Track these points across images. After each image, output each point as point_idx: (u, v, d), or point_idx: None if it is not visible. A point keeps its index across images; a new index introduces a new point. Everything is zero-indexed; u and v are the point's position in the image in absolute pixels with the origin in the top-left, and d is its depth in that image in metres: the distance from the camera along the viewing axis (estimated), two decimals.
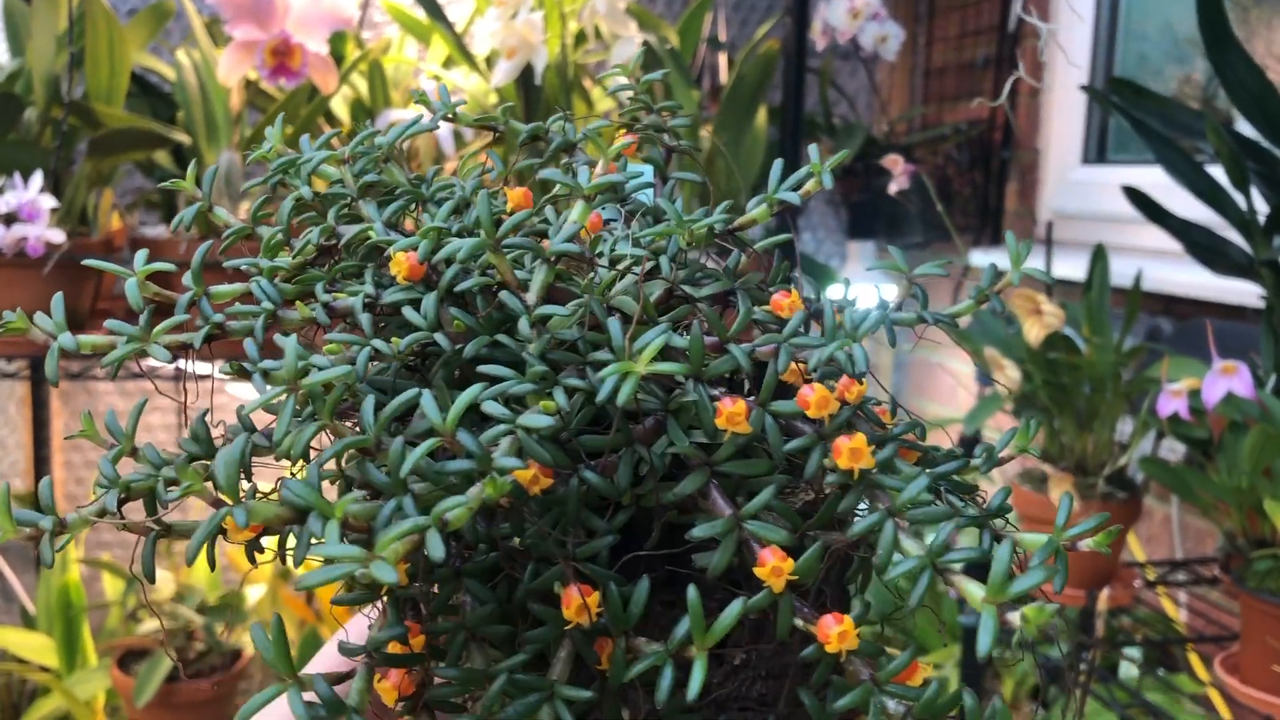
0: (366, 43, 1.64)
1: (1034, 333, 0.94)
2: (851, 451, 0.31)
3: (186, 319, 0.36)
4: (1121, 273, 1.22)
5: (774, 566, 0.29)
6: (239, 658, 1.56)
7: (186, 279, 0.37)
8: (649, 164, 0.47)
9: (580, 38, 1.53)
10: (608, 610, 0.30)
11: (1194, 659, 1.19)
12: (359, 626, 0.41)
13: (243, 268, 0.39)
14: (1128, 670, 1.22)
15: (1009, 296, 1.00)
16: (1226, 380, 0.82)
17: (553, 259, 0.35)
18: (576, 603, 0.29)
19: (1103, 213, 1.67)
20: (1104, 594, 0.97)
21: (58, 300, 0.37)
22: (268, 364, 0.33)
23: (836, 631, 0.30)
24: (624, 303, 0.36)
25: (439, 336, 0.34)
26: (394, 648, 0.31)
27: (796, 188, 0.41)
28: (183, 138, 1.42)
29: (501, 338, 0.34)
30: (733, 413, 0.31)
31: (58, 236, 1.21)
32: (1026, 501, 1.03)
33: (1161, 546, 1.43)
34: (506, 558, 0.31)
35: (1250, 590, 0.85)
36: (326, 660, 0.41)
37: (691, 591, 0.29)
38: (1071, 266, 1.47)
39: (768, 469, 0.32)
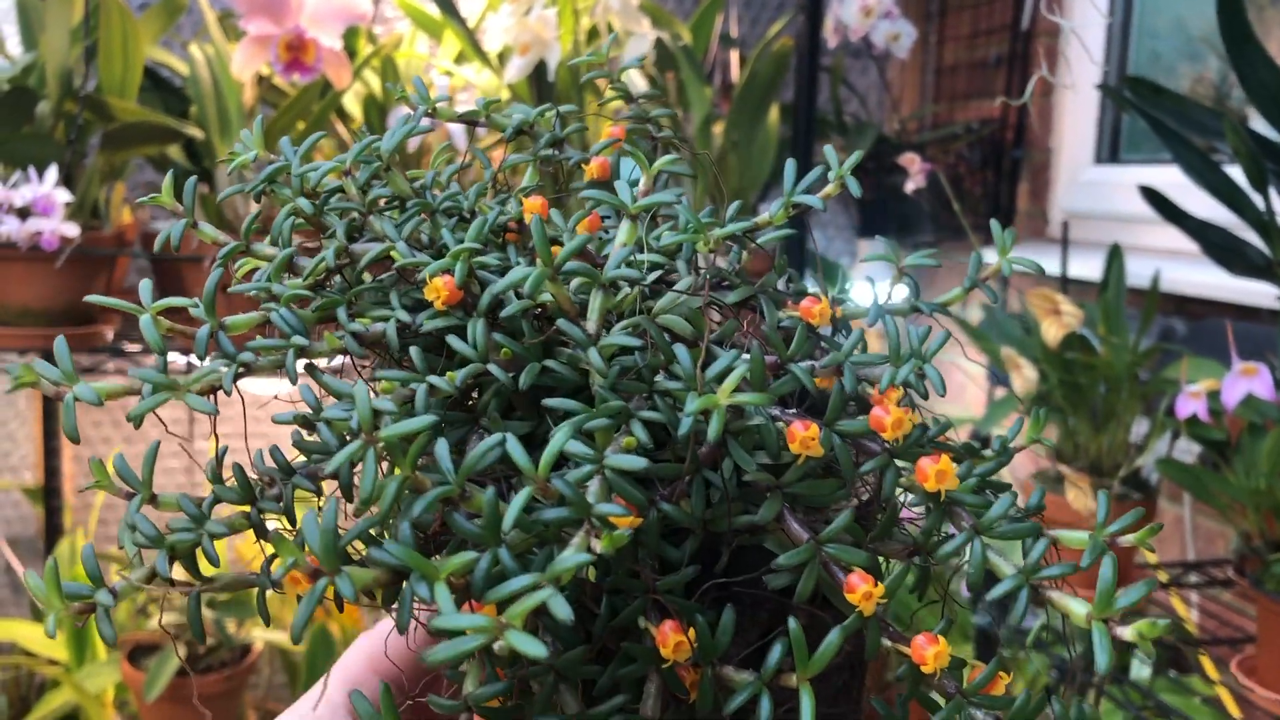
0: (378, 38, 1.63)
1: (1052, 332, 0.94)
2: (938, 474, 0.31)
3: (215, 372, 0.34)
4: (1134, 273, 1.21)
5: (865, 592, 0.29)
6: (249, 652, 1.56)
7: (196, 311, 0.36)
8: (635, 159, 0.45)
9: (593, 34, 1.53)
10: (697, 642, 0.30)
11: (1205, 661, 1.19)
12: (384, 630, 0.41)
13: (251, 293, 0.37)
14: (1138, 671, 1.21)
15: (1028, 296, 1.00)
16: (1247, 381, 0.81)
17: (608, 284, 0.34)
18: (674, 640, 0.29)
19: (1115, 212, 1.66)
20: None
21: (61, 345, 0.35)
22: (333, 412, 0.31)
23: (933, 652, 0.30)
24: (674, 322, 0.34)
25: (492, 367, 0.33)
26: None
27: (812, 188, 0.40)
28: (195, 132, 1.42)
29: (550, 363, 0.33)
30: (806, 438, 0.30)
31: (72, 230, 1.21)
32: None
33: (1172, 548, 1.42)
34: (580, 593, 0.31)
35: (1268, 593, 0.85)
36: (350, 671, 0.40)
37: (793, 623, 0.29)
38: (1083, 266, 1.47)
39: (836, 488, 0.32)
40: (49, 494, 1.84)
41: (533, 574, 0.26)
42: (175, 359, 1.44)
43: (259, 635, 1.60)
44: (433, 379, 0.32)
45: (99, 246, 1.35)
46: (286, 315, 0.34)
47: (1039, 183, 1.85)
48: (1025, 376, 0.95)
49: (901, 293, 0.39)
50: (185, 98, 1.55)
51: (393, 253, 0.37)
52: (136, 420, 0.33)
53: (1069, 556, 0.37)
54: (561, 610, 0.25)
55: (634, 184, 0.40)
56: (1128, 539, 0.35)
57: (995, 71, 1.91)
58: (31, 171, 1.25)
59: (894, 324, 0.35)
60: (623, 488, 0.28)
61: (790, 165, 0.41)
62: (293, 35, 1.27)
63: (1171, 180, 1.09)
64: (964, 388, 1.94)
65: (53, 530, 1.84)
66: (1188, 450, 1.17)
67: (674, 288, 0.36)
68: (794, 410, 0.32)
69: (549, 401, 0.31)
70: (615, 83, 0.46)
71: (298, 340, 0.34)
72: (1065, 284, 1.26)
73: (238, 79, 1.35)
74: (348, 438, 0.30)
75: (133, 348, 1.44)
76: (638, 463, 0.28)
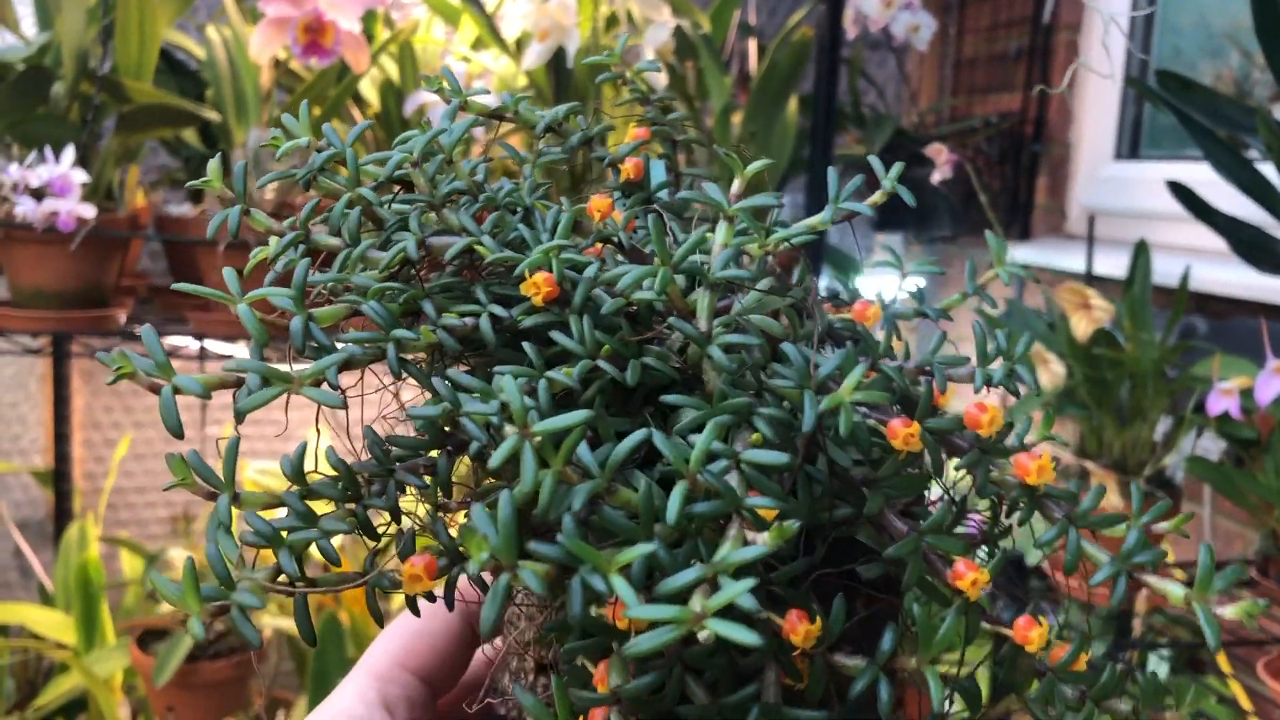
0: (396, 24, 1.62)
1: (1082, 327, 0.93)
2: (1039, 469, 0.33)
3: (330, 361, 0.33)
4: (1156, 270, 1.20)
5: (972, 579, 0.31)
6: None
7: (281, 301, 0.34)
8: (662, 159, 0.45)
9: (612, 21, 1.51)
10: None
11: (1222, 660, 1.18)
12: (407, 627, 0.40)
13: (328, 285, 0.36)
14: (1157, 669, 1.21)
15: (1057, 291, 0.99)
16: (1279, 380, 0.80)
17: (715, 284, 0.34)
18: (803, 629, 0.29)
19: (1135, 209, 1.65)
20: (1143, 594, 0.95)
21: (150, 336, 0.34)
22: (473, 405, 0.30)
23: (1037, 634, 0.31)
24: (766, 323, 0.35)
25: (603, 363, 0.33)
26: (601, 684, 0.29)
27: (824, 188, 0.41)
28: (212, 115, 1.41)
29: (649, 360, 0.33)
30: (908, 434, 0.31)
31: (89, 211, 1.20)
32: None
33: (1190, 548, 1.41)
34: None
35: None
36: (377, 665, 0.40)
37: (918, 610, 0.31)
38: (1104, 263, 1.45)
39: (924, 482, 0.33)
40: (59, 477, 1.83)
41: (701, 567, 0.26)
42: (192, 349, 1.42)
43: (268, 622, 1.59)
44: (551, 374, 0.31)
45: (113, 229, 1.34)
46: (378, 308, 0.34)
47: (1058, 178, 1.84)
48: (1053, 372, 0.94)
49: (920, 285, 0.39)
50: (201, 81, 1.54)
51: (478, 247, 0.36)
52: (241, 415, 0.33)
53: (1107, 545, 0.38)
54: (748, 602, 0.25)
55: (661, 186, 0.40)
56: (1162, 526, 0.36)
57: (1015, 65, 1.89)
58: (48, 152, 1.24)
59: (980, 326, 0.36)
60: (760, 482, 0.29)
61: (832, 174, 0.40)
62: (311, 17, 1.25)
63: (1193, 177, 1.08)
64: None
65: (62, 514, 1.84)
66: (1211, 449, 1.16)
67: (756, 288, 0.36)
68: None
69: (669, 398, 0.31)
70: (633, 86, 0.46)
71: (399, 333, 0.33)
72: (1091, 280, 1.25)
73: (255, 62, 1.34)
74: (490, 431, 0.30)
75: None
76: (778, 458, 0.29)
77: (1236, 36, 1.70)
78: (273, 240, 0.38)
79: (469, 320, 0.34)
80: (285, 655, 1.84)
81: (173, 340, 1.44)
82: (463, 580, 0.40)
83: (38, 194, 1.17)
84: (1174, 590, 0.33)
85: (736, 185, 0.38)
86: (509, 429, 0.28)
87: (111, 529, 1.93)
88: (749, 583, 0.26)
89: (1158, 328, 1.05)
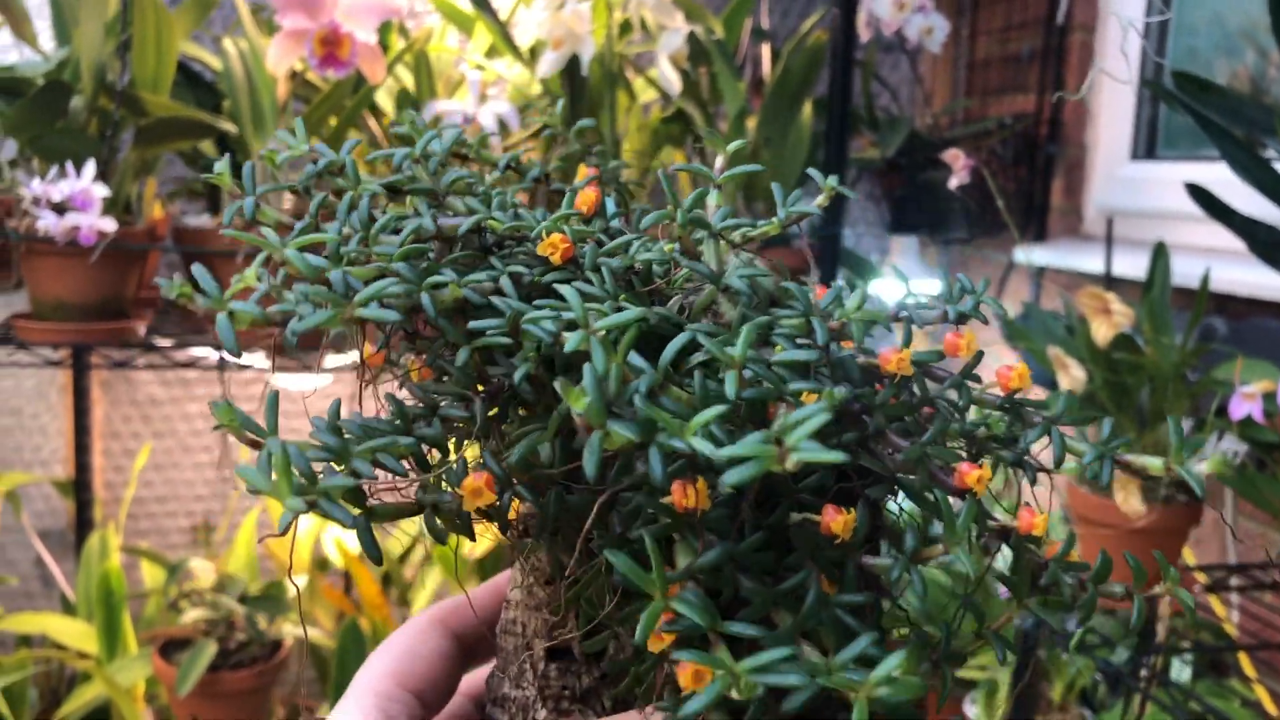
0: (410, 32, 1.63)
1: (1102, 331, 0.93)
2: (1019, 375, 0.37)
3: (383, 286, 0.35)
4: (1174, 271, 1.20)
5: (976, 476, 0.34)
6: (280, 648, 1.56)
7: (317, 261, 0.36)
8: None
9: (625, 28, 1.52)
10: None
11: (1244, 662, 1.18)
12: (404, 644, 0.41)
13: (350, 254, 0.37)
14: (1178, 674, 1.20)
15: (1078, 295, 0.99)
16: None
17: (718, 234, 0.39)
18: (842, 519, 0.32)
19: (1152, 209, 1.64)
20: (1165, 599, 0.95)
21: (200, 271, 0.35)
22: (536, 314, 0.33)
23: (1040, 520, 0.35)
24: (764, 270, 0.39)
25: (624, 305, 0.36)
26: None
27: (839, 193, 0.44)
28: (229, 127, 1.42)
29: (660, 310, 0.36)
30: (899, 359, 0.35)
31: (110, 225, 1.21)
32: (1085, 503, 1.01)
33: (1209, 550, 1.41)
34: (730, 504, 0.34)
35: None
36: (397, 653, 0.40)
37: (938, 494, 0.34)
38: (1120, 264, 1.45)
39: (919, 406, 0.37)
40: (79, 487, 1.85)
41: (763, 432, 0.28)
42: (213, 358, 1.43)
43: (289, 631, 1.60)
44: (626, 316, 0.34)
45: (132, 241, 1.35)
46: (406, 267, 0.36)
47: (1073, 179, 1.83)
48: (1073, 376, 0.94)
49: (934, 289, 0.41)
50: (217, 92, 1.55)
51: (490, 222, 0.39)
52: (294, 335, 0.34)
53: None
54: (822, 419, 0.28)
55: (615, 216, 0.43)
56: (1202, 467, 0.37)
57: (1028, 66, 1.89)
58: (69, 166, 1.25)
59: (944, 272, 0.41)
60: (792, 378, 0.32)
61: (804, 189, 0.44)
62: (328, 30, 1.26)
63: (1210, 177, 1.08)
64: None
65: (83, 523, 1.85)
66: (1234, 451, 1.16)
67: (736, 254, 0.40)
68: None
69: (692, 326, 0.34)
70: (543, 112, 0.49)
71: (435, 279, 0.35)
72: (1109, 282, 1.25)
73: (272, 74, 1.35)
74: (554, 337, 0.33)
75: (164, 342, 1.44)
76: (808, 354, 0.33)
77: (1252, 35, 1.69)
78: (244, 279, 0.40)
79: (490, 282, 0.36)
80: (308, 664, 1.85)
81: (192, 351, 1.45)
82: (458, 601, 0.42)
83: (59, 208, 1.18)
84: (1152, 462, 0.36)
85: (720, 161, 0.42)
86: (568, 335, 0.31)
87: (132, 538, 1.94)
88: (824, 416, 0.28)
89: (1178, 329, 1.04)
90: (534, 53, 1.51)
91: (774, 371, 0.32)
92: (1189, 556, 1.34)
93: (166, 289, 0.35)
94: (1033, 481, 0.37)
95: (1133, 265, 1.42)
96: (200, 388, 1.94)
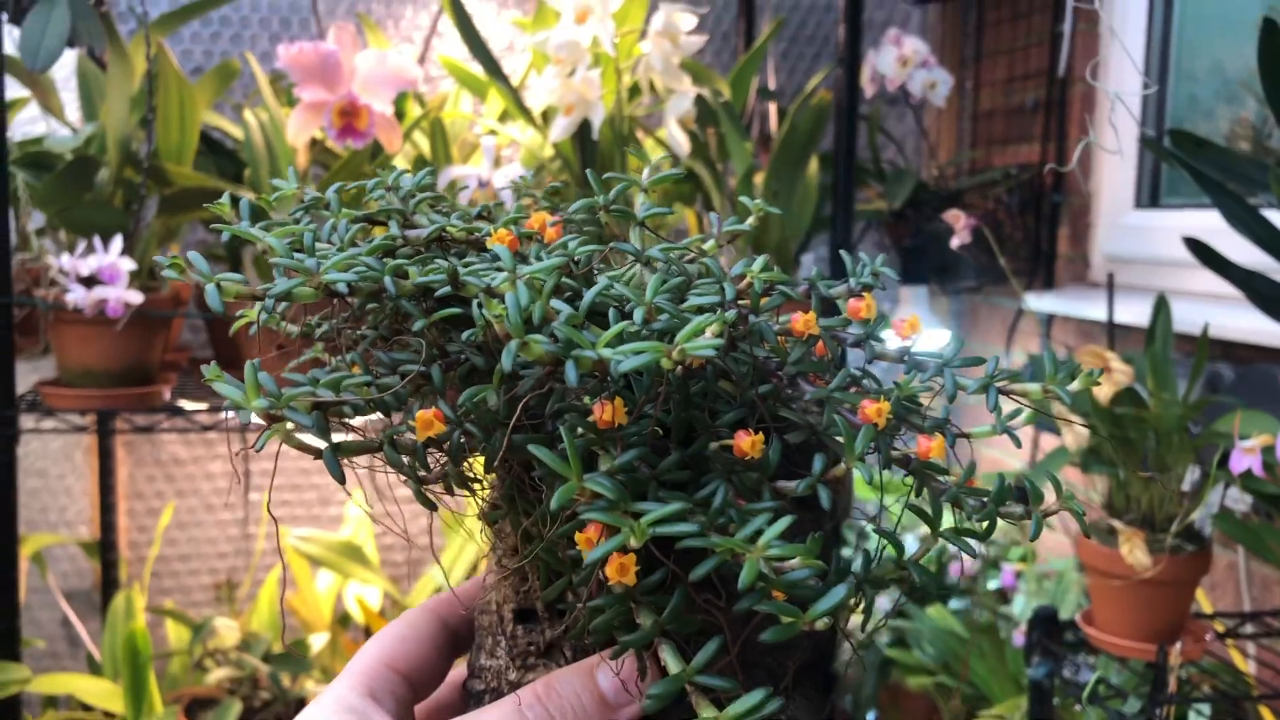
0: (426, 98, 1.67)
1: (1103, 390, 0.95)
2: (910, 325, 0.42)
3: (346, 255, 0.41)
4: (1179, 318, 1.21)
5: (876, 409, 0.38)
6: (303, 706, 1.58)
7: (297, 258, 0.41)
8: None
9: (634, 91, 1.56)
10: (760, 458, 0.37)
11: (1265, 713, 1.18)
12: (397, 631, 0.45)
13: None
14: None
15: (1078, 353, 1.01)
16: None
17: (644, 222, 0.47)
18: (749, 440, 0.37)
19: (1157, 257, 1.66)
20: (1175, 648, 0.96)
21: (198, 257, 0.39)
22: (476, 268, 0.40)
23: (933, 445, 0.38)
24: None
25: (565, 280, 0.42)
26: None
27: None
28: (249, 195, 1.46)
29: (594, 286, 0.42)
30: (806, 319, 0.40)
31: (136, 298, 1.24)
32: (1094, 555, 1.02)
33: (1225, 595, 1.41)
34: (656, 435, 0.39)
35: None
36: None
37: (838, 418, 0.38)
38: (1127, 311, 1.47)
39: (828, 365, 0.42)
40: (105, 548, 1.87)
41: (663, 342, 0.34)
42: (235, 419, 1.46)
43: (312, 689, 1.61)
44: (548, 263, 0.40)
45: (157, 308, 1.38)
46: (373, 261, 0.41)
47: (1079, 227, 1.86)
48: (1076, 431, 0.95)
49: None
50: (238, 160, 1.60)
51: (448, 228, 0.45)
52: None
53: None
54: (709, 352, 0.34)
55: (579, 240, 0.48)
56: (1075, 385, 0.42)
57: (1032, 116, 1.92)
58: (96, 240, 1.29)
59: (845, 255, 0.47)
60: (698, 316, 0.37)
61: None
62: (346, 102, 1.30)
63: (1214, 226, 1.10)
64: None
65: (108, 583, 1.87)
66: (1239, 499, 1.17)
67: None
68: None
69: (616, 288, 0.40)
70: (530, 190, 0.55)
71: (394, 263, 0.41)
72: (1112, 335, 1.27)
73: (292, 145, 1.39)
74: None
75: (188, 405, 1.47)
76: (711, 299, 0.39)
77: (1252, 84, 1.72)
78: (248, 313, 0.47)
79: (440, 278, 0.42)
80: None
81: (217, 414, 1.48)
82: (449, 593, 0.46)
83: (88, 282, 1.22)
84: (1032, 388, 0.41)
85: (716, 222, 0.49)
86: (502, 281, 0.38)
87: (156, 597, 1.96)
88: (713, 326, 0.34)
89: (1182, 376, 1.06)
90: (546, 117, 1.55)
91: (683, 316, 0.38)
92: (1205, 604, 1.35)
93: (207, 373, 0.38)
94: (951, 444, 0.41)
95: (1137, 313, 1.44)
96: (222, 446, 1.97)
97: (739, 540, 0.34)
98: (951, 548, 1.76)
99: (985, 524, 0.39)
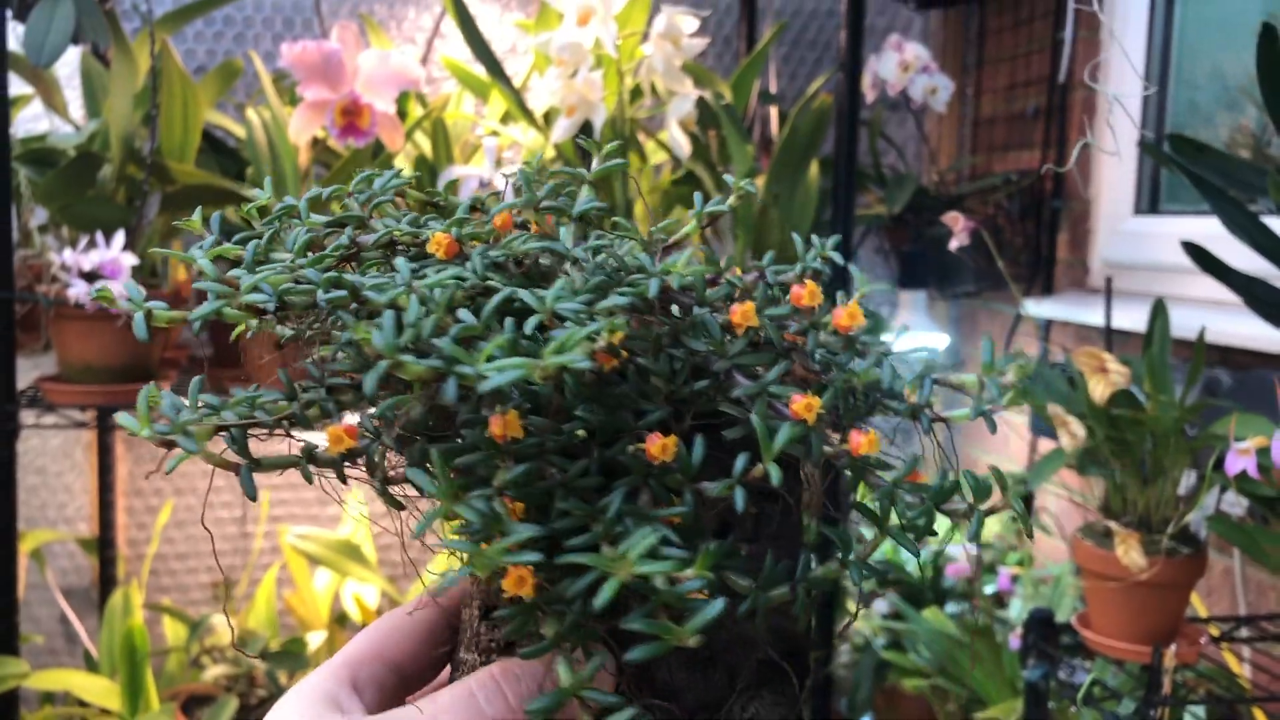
0: (428, 99, 1.68)
1: (1099, 390, 0.95)
2: (849, 314, 0.41)
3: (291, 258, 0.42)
4: (1177, 323, 1.22)
5: (805, 403, 0.37)
6: None
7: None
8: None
9: (636, 93, 1.56)
10: (678, 459, 0.37)
11: (1259, 716, 1.18)
12: (390, 622, 0.45)
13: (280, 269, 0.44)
14: None
15: (1075, 354, 1.01)
16: None
17: (577, 218, 0.47)
18: (660, 444, 0.36)
19: (1156, 263, 1.67)
20: (1170, 650, 0.96)
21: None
22: (376, 284, 0.39)
23: (865, 440, 0.37)
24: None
25: (490, 282, 0.42)
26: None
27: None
28: (252, 194, 1.46)
29: (523, 293, 0.41)
30: (744, 311, 0.40)
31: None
32: (1090, 557, 1.03)
33: (1222, 599, 1.41)
34: (581, 436, 0.38)
35: None
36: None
37: (755, 418, 0.37)
38: (1126, 317, 1.47)
39: (772, 358, 0.40)
40: (103, 545, 1.88)
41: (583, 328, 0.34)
42: None
43: None
44: (445, 274, 0.40)
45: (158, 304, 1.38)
46: (313, 273, 0.42)
47: (1079, 233, 1.86)
48: (1073, 433, 0.96)
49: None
50: (241, 158, 1.60)
51: (395, 233, 0.46)
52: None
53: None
54: (582, 362, 0.33)
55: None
56: (1009, 378, 0.41)
57: (1033, 123, 1.92)
58: (99, 235, 1.30)
59: (795, 238, 0.46)
60: (614, 317, 0.37)
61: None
62: (348, 101, 1.31)
63: (1214, 232, 1.10)
64: (1007, 439, 1.94)
65: (107, 580, 1.87)
66: (1236, 503, 1.17)
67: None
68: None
69: (540, 291, 0.39)
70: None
71: (331, 275, 0.41)
72: (1109, 338, 1.27)
73: (295, 143, 1.39)
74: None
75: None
76: (625, 300, 0.38)
77: (1252, 90, 1.72)
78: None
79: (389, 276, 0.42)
80: None
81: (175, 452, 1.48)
82: (427, 591, 0.46)
83: (89, 277, 1.22)
84: (968, 378, 0.41)
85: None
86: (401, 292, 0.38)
87: (154, 595, 1.96)
88: (578, 356, 0.33)
89: (1179, 382, 1.07)
90: (548, 118, 1.55)
91: (583, 322, 0.37)
92: (1200, 608, 1.35)
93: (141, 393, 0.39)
94: (927, 430, 0.40)
95: (1136, 318, 1.45)
96: (221, 445, 1.97)
97: (607, 556, 0.33)
98: (952, 550, 1.75)
99: (923, 521, 0.38)
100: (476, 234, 0.45)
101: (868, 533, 0.40)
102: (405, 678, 0.43)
